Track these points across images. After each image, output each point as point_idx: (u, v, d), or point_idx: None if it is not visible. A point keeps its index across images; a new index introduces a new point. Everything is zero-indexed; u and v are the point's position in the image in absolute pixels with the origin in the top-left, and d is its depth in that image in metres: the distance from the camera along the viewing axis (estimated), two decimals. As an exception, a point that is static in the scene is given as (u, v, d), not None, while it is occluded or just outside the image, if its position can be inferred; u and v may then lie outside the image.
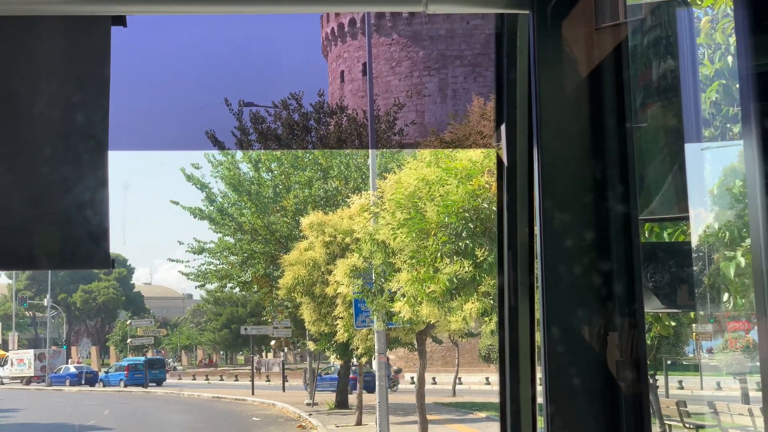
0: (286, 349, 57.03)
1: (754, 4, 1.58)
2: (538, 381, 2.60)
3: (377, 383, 25.04)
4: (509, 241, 2.70)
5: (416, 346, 26.67)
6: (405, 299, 18.85)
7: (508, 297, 2.68)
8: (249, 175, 37.75)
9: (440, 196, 18.17)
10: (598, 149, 2.27)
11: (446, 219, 17.91)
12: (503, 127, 2.69)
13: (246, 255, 37.62)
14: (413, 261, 18.62)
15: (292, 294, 29.78)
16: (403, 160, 23.94)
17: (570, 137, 2.29)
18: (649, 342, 13.82)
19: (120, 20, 2.25)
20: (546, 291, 2.23)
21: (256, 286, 39.32)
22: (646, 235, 6.60)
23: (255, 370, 56.88)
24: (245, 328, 56.09)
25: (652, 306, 2.42)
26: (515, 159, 2.65)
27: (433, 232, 18.13)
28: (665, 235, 6.44)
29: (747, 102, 1.62)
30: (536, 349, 2.62)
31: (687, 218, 2.46)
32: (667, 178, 2.42)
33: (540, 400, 2.48)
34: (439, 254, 18.14)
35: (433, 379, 52.48)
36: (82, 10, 2.17)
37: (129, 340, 75.87)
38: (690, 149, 2.35)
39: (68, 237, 2.23)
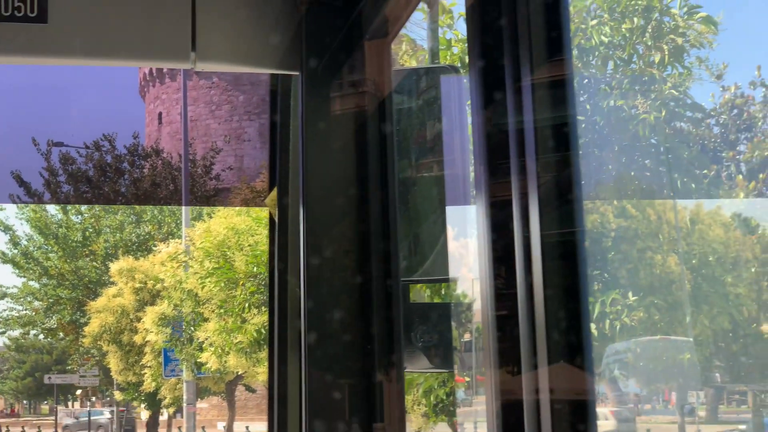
0: (94, 399, 54.97)
1: (486, 70, 1.59)
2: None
3: (185, 434, 24.46)
4: (279, 301, 2.66)
5: (226, 396, 26.26)
6: (213, 349, 18.58)
7: (278, 349, 2.65)
8: (57, 217, 36.50)
9: (249, 245, 18.08)
10: (363, 210, 2.26)
11: (255, 269, 17.80)
12: (276, 188, 2.66)
13: (51, 300, 36.28)
14: (221, 311, 18.39)
15: (98, 342, 28.89)
16: (216, 208, 23.70)
17: (335, 198, 2.28)
18: (423, 396, 14.19)
19: None
20: (309, 347, 2.21)
21: (62, 333, 37.93)
22: (441, 296, 6.68)
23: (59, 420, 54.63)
24: (49, 377, 53.80)
25: (419, 366, 2.42)
26: (287, 220, 2.61)
27: (241, 282, 17.97)
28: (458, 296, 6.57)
29: (479, 163, 1.59)
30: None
31: (447, 280, 2.48)
32: (430, 240, 2.43)
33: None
34: (247, 304, 17.99)
35: (247, 428, 51.75)
36: None
37: None
38: (469, 210, 2.35)
39: None
